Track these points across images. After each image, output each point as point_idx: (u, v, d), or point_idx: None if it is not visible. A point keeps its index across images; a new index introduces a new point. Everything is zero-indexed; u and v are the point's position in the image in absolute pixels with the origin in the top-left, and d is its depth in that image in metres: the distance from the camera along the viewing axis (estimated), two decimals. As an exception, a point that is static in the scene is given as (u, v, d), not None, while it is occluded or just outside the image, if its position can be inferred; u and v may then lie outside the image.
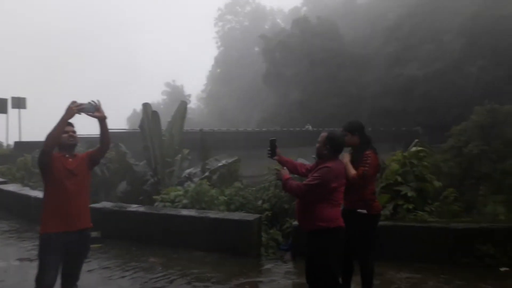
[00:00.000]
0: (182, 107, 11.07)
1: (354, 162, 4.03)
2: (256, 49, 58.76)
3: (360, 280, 4.16)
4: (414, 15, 39.39)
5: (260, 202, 7.74)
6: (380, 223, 5.86)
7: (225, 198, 7.38)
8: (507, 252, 5.17)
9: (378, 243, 5.37)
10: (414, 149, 7.43)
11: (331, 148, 3.64)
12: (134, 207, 7.20)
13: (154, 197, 7.86)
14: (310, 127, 32.72)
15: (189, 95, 70.44)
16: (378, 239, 4.24)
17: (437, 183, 7.25)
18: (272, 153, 3.99)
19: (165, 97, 73.45)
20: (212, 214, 6.46)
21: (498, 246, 5.20)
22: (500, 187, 23.42)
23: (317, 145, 3.73)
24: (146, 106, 10.29)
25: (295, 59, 43.15)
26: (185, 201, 7.13)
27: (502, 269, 5.12)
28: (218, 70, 72.06)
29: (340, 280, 4.11)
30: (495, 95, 29.11)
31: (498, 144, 25.14)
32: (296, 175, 4.15)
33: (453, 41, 35.20)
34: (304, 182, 3.62)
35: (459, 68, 33.66)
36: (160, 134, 10.14)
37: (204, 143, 11.18)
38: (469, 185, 25.17)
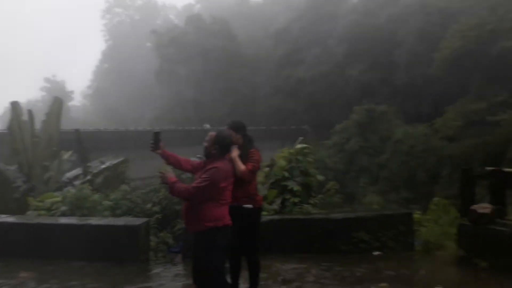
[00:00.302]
0: (56, 104, 10.09)
1: (240, 159, 4.08)
2: (148, 44, 56.61)
3: (248, 275, 4.21)
4: (302, 19, 41.75)
5: (149, 205, 7.41)
6: (269, 217, 6.08)
7: (110, 203, 6.90)
8: (378, 238, 5.71)
9: (266, 238, 5.55)
10: (299, 146, 7.83)
11: (220, 147, 3.64)
12: (1, 218, 6.34)
13: (28, 200, 7.02)
14: (208, 126, 32.63)
15: (72, 92, 65.13)
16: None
17: (320, 177, 7.72)
18: (156, 146, 3.83)
19: (44, 93, 66.71)
20: (94, 221, 5.98)
21: (371, 233, 5.72)
22: (377, 179, 26.14)
23: (205, 144, 3.71)
24: (14, 105, 9.18)
25: (189, 56, 42.66)
26: (63, 208, 6.50)
27: (375, 253, 5.64)
28: (106, 65, 67.75)
29: (229, 278, 4.13)
30: (372, 96, 32.38)
31: (374, 140, 28.01)
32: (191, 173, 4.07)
33: (336, 46, 38.11)
34: (193, 184, 3.56)
35: (341, 71, 36.60)
36: (34, 135, 9.11)
37: (82, 144, 10.31)
38: (351, 178, 27.63)
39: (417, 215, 6.64)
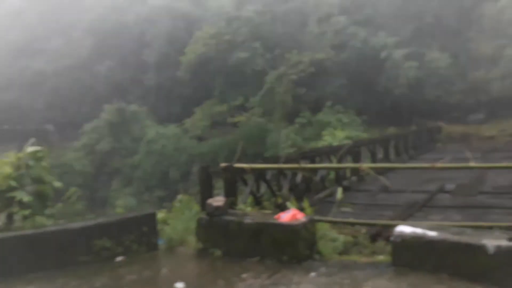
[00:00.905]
0: None
1: None
2: None
3: None
4: (40, 3, 37.06)
5: None
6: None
7: None
8: (122, 242, 5.46)
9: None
10: (31, 149, 6.79)
11: None
12: None
13: None
14: None
15: None
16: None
17: (57, 184, 6.94)
18: None
19: None
20: None
21: (113, 238, 5.41)
22: (131, 180, 25.87)
23: None
24: None
25: None
26: None
27: (118, 259, 5.37)
28: None
29: None
30: (123, 94, 31.71)
31: (127, 141, 27.57)
32: None
33: (82, 38, 35.45)
34: None
35: (89, 66, 34.34)
36: None
37: None
38: (103, 181, 26.46)
39: (161, 213, 6.74)
